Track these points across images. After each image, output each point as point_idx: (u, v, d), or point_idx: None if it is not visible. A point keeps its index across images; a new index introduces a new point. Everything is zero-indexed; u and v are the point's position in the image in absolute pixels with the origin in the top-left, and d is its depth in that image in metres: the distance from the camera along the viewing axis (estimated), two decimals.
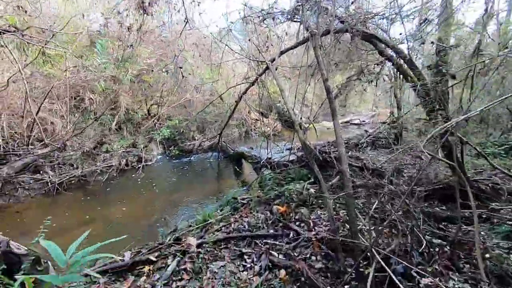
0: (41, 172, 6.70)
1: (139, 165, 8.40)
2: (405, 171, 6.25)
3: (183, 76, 8.04)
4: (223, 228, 3.63)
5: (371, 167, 5.76)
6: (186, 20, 6.74)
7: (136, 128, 10.77)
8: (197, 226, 3.80)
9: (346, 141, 10.51)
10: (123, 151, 8.50)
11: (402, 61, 4.97)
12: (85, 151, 7.67)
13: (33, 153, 6.87)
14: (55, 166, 7.03)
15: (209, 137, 10.27)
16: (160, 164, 9.26)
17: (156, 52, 11.01)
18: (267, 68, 7.60)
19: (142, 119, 11.06)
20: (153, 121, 10.87)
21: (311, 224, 3.49)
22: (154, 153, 10.10)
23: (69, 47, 7.70)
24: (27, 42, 6.08)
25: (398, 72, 8.00)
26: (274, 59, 7.25)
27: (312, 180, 5.39)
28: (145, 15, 6.87)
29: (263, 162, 6.78)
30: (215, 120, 12.13)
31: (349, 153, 8.34)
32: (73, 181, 6.93)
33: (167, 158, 9.85)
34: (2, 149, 6.39)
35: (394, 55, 5.45)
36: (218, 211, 4.58)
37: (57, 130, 8.05)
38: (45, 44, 5.85)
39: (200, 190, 6.93)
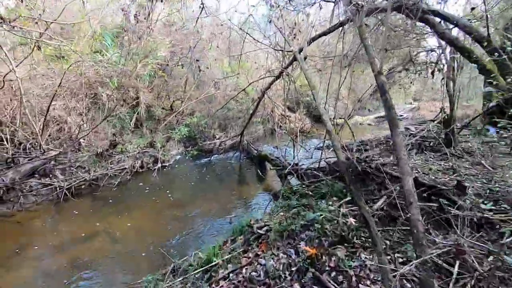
0: (50, 176, 6.23)
1: (155, 167, 7.75)
2: (468, 184, 4.91)
3: (200, 70, 7.18)
4: (230, 275, 2.71)
5: (427, 182, 4.51)
6: (202, 6, 5.79)
7: (157, 126, 10.19)
8: (197, 271, 2.92)
9: (384, 141, 9.12)
10: (139, 152, 7.89)
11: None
12: (98, 152, 7.14)
13: (46, 155, 6.42)
14: (66, 169, 6.54)
15: (231, 135, 9.40)
16: (178, 165, 8.57)
17: (177, 45, 10.27)
18: (295, 59, 6.49)
19: (165, 116, 10.46)
20: (176, 116, 10.22)
21: (353, 278, 2.44)
22: (174, 152, 9.45)
23: (77, 42, 7.12)
24: (25, 36, 5.53)
25: (463, 59, 6.54)
26: (302, 49, 6.13)
27: (349, 198, 4.29)
28: (156, 2, 6.08)
29: (288, 169, 5.74)
30: (238, 117, 11.23)
31: (391, 158, 7.03)
32: (83, 186, 6.41)
33: (187, 158, 9.14)
34: (10, 151, 5.96)
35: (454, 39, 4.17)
36: (229, 242, 3.67)
37: (72, 130, 7.60)
38: (40, 37, 5.24)
39: (217, 200, 6.09)
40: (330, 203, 4.29)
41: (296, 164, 6.11)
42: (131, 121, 9.27)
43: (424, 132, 8.44)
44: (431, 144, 7.95)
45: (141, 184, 6.95)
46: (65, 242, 4.62)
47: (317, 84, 17.84)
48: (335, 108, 6.86)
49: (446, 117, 8.18)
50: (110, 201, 6.01)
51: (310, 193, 4.57)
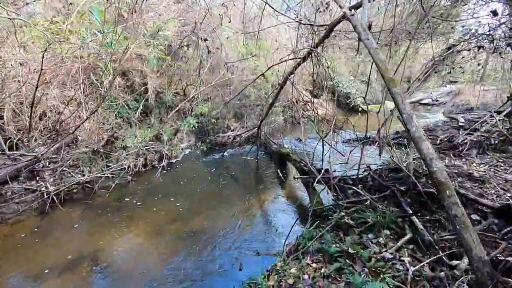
0: (37, 178, 5.32)
1: (161, 164, 6.69)
2: None
3: (209, 51, 5.85)
4: None
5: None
6: None
7: (167, 114, 9.09)
8: None
9: (431, 137, 7.50)
10: (142, 147, 6.83)
11: None
12: (94, 149, 6.14)
13: (34, 152, 5.50)
14: (57, 169, 5.60)
15: (247, 127, 8.12)
16: (187, 161, 7.47)
17: (188, 24, 8.89)
18: (327, 35, 5.00)
19: (177, 103, 9.31)
20: (189, 103, 9.03)
21: None
22: (184, 145, 8.36)
23: (66, 19, 5.95)
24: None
25: None
26: (338, 21, 4.63)
27: (410, 235, 2.96)
28: None
29: (318, 179, 4.43)
30: (256, 104, 9.88)
31: (445, 160, 5.52)
32: (75, 190, 5.47)
33: (197, 153, 8.02)
34: None
35: None
36: None
37: (70, 123, 6.65)
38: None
39: (228, 212, 4.94)
40: (381, 239, 2.99)
41: (327, 171, 4.78)
42: (136, 110, 8.21)
43: (484, 126, 6.75)
44: (495, 142, 6.30)
45: (143, 187, 5.92)
46: (43, 269, 3.67)
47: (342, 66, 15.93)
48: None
49: None
50: (104, 210, 5.03)
51: (351, 222, 3.27)
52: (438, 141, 6.77)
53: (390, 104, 15.66)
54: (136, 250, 4.05)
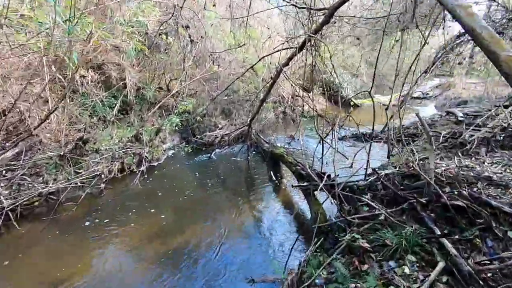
0: None
1: (140, 169, 5.91)
2: None
3: (191, 41, 5.07)
4: None
5: None
6: None
7: (149, 112, 8.24)
8: None
9: (432, 133, 6.99)
10: (118, 150, 6.01)
11: None
12: (62, 154, 5.29)
13: None
14: (15, 178, 4.74)
15: (237, 125, 7.40)
16: (170, 164, 6.70)
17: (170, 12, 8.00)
18: (327, 20, 4.33)
19: (160, 99, 8.44)
20: (174, 99, 8.17)
21: None
22: (167, 145, 7.57)
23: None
24: None
25: None
26: (341, 3, 3.98)
27: (442, 263, 2.36)
28: None
29: (320, 186, 3.79)
30: (246, 100, 9.15)
31: (455, 160, 5.00)
32: (36, 203, 4.63)
33: (182, 154, 7.25)
34: None
35: None
36: None
37: (31, 123, 5.73)
38: None
39: (216, 226, 4.25)
40: (407, 269, 2.39)
41: (329, 177, 4.14)
42: (113, 107, 7.33)
43: (490, 121, 6.28)
44: (501, 138, 5.84)
45: (118, 196, 5.14)
46: None
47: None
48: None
49: None
50: (71, 227, 4.24)
51: (367, 246, 2.64)
52: (441, 138, 6.26)
53: (382, 98, 15.28)
54: (109, 278, 3.32)
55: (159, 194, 5.25)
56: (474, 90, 12.93)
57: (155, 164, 6.52)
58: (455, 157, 5.18)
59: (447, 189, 3.07)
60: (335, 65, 11.75)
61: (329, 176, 4.21)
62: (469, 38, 5.08)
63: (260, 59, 5.11)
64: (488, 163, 4.91)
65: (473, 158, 5.13)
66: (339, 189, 3.74)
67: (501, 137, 5.73)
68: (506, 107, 5.92)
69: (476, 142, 5.53)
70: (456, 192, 2.97)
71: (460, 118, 7.89)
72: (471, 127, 6.17)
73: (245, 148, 6.89)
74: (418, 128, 8.10)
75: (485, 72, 13.95)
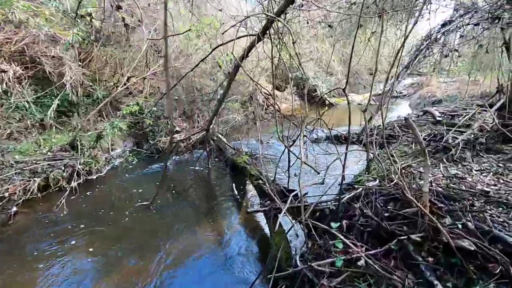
0: None
1: (71, 185, 4.72)
2: None
3: (126, 26, 3.99)
4: None
5: None
6: None
7: (98, 114, 6.97)
8: None
9: (411, 135, 6.34)
10: (41, 162, 4.77)
11: None
12: None
13: None
14: None
15: (197, 128, 6.35)
16: (115, 176, 5.54)
17: None
18: (292, 0, 3.44)
19: (115, 98, 7.19)
20: (126, 96, 6.89)
21: None
22: (116, 153, 6.39)
23: None
24: None
25: None
26: None
27: None
28: None
29: (283, 211, 2.86)
30: (211, 99, 8.10)
31: (440, 168, 4.30)
32: None
33: (132, 163, 6.09)
34: None
35: None
36: None
37: None
38: None
39: (156, 264, 3.21)
40: None
41: (296, 196, 3.24)
42: (48, 109, 6.04)
43: (474, 122, 5.70)
44: (483, 140, 5.26)
45: (32, 224, 3.95)
46: None
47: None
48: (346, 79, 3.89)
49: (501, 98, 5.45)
50: None
51: None
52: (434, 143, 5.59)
53: (356, 97, 14.79)
54: None
55: (91, 218, 4.11)
56: (447, 89, 12.73)
57: (94, 177, 5.34)
58: (441, 164, 4.48)
59: (447, 220, 2.25)
60: (306, 60, 10.87)
61: (295, 195, 3.31)
62: (455, 27, 4.39)
63: (213, 50, 4.12)
64: (476, 170, 4.26)
65: (459, 165, 4.46)
66: (306, 213, 2.84)
67: (485, 139, 5.16)
68: (490, 106, 5.35)
69: (460, 146, 4.89)
70: (460, 225, 2.15)
71: (438, 118, 7.35)
72: (453, 129, 5.55)
73: (205, 156, 5.87)
74: (394, 129, 7.48)
75: (456, 71, 13.87)
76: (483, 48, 4.29)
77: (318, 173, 3.48)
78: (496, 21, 3.29)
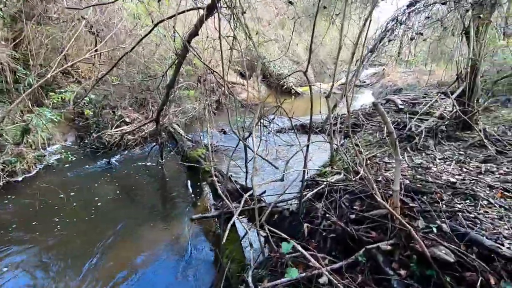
0: None
1: None
2: None
3: None
4: None
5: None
6: None
7: (32, 102, 5.88)
8: None
9: (376, 124, 6.20)
10: None
11: None
12: None
13: None
14: None
15: (145, 119, 5.58)
16: (48, 176, 4.67)
17: None
18: None
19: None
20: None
21: None
22: (54, 148, 5.45)
23: None
24: None
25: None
26: None
27: None
28: None
29: (235, 215, 2.38)
30: (158, 86, 7.29)
31: (405, 158, 4.10)
32: None
33: (73, 160, 5.21)
34: None
35: None
36: None
37: None
38: None
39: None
40: None
41: (251, 196, 2.77)
42: None
43: (430, 110, 5.64)
44: (444, 128, 5.22)
45: None
46: None
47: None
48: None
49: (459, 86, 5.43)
50: None
51: None
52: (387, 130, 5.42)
53: (322, 87, 14.69)
54: None
55: (9, 230, 3.31)
56: (406, 79, 13.06)
57: (20, 178, 4.43)
58: (405, 153, 4.30)
59: (420, 223, 1.91)
60: (265, 41, 10.25)
61: (250, 194, 2.84)
62: (422, 7, 4.13)
63: (155, 25, 3.42)
64: (440, 159, 4.12)
65: (423, 154, 4.31)
66: (262, 217, 2.39)
67: (445, 127, 5.10)
68: (448, 94, 5.28)
69: (423, 134, 4.75)
70: (435, 229, 1.82)
71: (400, 106, 7.32)
72: (415, 117, 5.44)
73: (156, 150, 5.18)
74: (359, 117, 7.33)
75: (413, 62, 14.30)
76: (448, 31, 4.09)
77: (277, 168, 3.03)
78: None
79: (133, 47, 3.68)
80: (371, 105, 8.67)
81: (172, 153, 5.60)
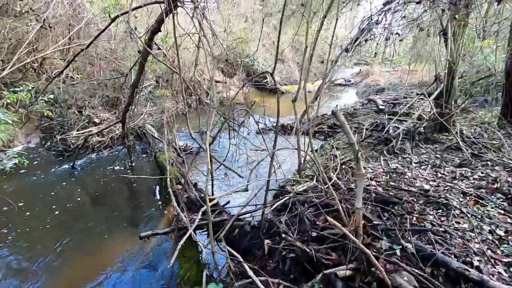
0: None
1: None
2: None
3: None
4: None
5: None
6: None
7: None
8: None
9: (355, 125, 6.08)
10: None
11: None
12: None
13: None
14: None
15: (111, 120, 5.22)
16: (3, 181, 4.28)
17: None
18: None
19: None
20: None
21: None
22: (18, 149, 5.03)
23: None
24: None
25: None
26: None
27: None
28: None
29: (190, 231, 2.14)
30: (144, 86, 6.92)
31: (381, 162, 3.97)
32: None
33: (35, 163, 4.82)
34: None
35: None
36: None
37: None
38: None
39: None
40: None
41: (215, 206, 2.54)
42: None
43: (410, 111, 5.56)
44: (422, 130, 5.13)
45: None
46: None
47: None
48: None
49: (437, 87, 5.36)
50: None
51: None
52: (365, 132, 5.31)
53: (308, 86, 14.57)
54: None
55: None
56: (389, 78, 13.08)
57: None
58: (381, 157, 4.17)
59: (383, 244, 1.73)
60: (234, 39, 9.89)
61: (217, 204, 2.62)
62: (398, 7, 3.97)
63: (112, 21, 3.11)
64: (416, 163, 4.00)
65: (399, 157, 4.18)
66: (221, 232, 2.16)
67: (423, 129, 5.02)
68: (428, 95, 5.20)
69: (400, 137, 4.64)
70: (398, 251, 1.64)
71: (380, 107, 7.25)
72: (394, 118, 5.33)
73: (124, 153, 4.86)
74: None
75: (397, 61, 14.36)
76: (424, 32, 3.96)
77: (241, 177, 2.81)
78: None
79: (89, 44, 3.36)
80: (352, 104, 8.58)
81: (144, 155, 5.29)
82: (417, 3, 3.09)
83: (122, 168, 4.80)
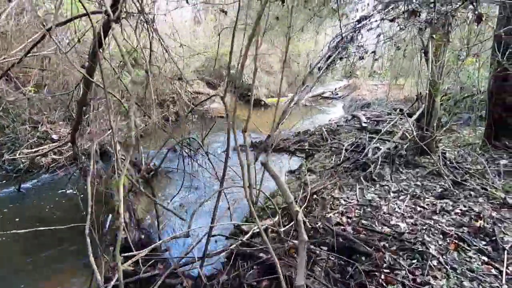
0: None
1: None
2: None
3: None
4: None
5: None
6: None
7: None
8: None
9: (336, 144, 5.75)
10: None
11: None
12: None
13: None
14: None
15: (65, 138, 4.75)
16: None
17: None
18: None
19: None
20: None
21: None
22: None
23: None
24: None
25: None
26: None
27: None
28: None
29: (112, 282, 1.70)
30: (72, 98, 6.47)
31: (357, 191, 3.60)
32: None
33: None
34: None
35: None
36: None
37: None
38: None
39: None
40: None
41: (152, 253, 2.10)
42: None
43: (391, 129, 5.26)
44: (403, 152, 4.82)
45: None
46: None
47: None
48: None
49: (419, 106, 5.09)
50: None
51: None
52: (344, 153, 4.96)
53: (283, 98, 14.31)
54: None
55: None
56: (376, 92, 12.95)
57: None
58: (357, 184, 3.81)
59: None
60: (188, 53, 9.42)
61: (154, 249, 2.17)
62: (371, 24, 3.69)
63: (42, 38, 2.71)
64: (394, 192, 3.66)
65: (377, 185, 3.83)
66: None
67: (405, 151, 4.70)
68: (410, 115, 4.92)
69: (380, 161, 4.30)
70: None
71: (363, 124, 6.96)
72: (376, 138, 5.01)
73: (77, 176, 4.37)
74: (322, 134, 6.89)
75: (384, 74, 14.29)
76: (401, 51, 3.69)
77: (183, 219, 2.38)
78: (414, 17, 2.61)
79: (21, 58, 2.93)
80: (337, 120, 8.24)
81: (104, 177, 4.80)
82: (391, 21, 2.80)
83: (75, 192, 4.30)
